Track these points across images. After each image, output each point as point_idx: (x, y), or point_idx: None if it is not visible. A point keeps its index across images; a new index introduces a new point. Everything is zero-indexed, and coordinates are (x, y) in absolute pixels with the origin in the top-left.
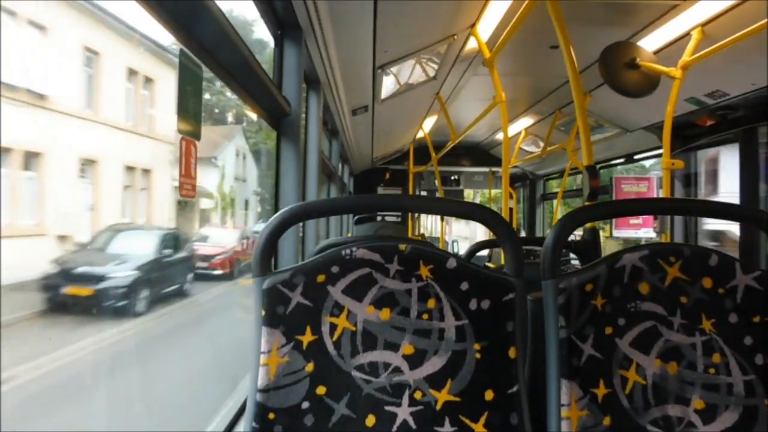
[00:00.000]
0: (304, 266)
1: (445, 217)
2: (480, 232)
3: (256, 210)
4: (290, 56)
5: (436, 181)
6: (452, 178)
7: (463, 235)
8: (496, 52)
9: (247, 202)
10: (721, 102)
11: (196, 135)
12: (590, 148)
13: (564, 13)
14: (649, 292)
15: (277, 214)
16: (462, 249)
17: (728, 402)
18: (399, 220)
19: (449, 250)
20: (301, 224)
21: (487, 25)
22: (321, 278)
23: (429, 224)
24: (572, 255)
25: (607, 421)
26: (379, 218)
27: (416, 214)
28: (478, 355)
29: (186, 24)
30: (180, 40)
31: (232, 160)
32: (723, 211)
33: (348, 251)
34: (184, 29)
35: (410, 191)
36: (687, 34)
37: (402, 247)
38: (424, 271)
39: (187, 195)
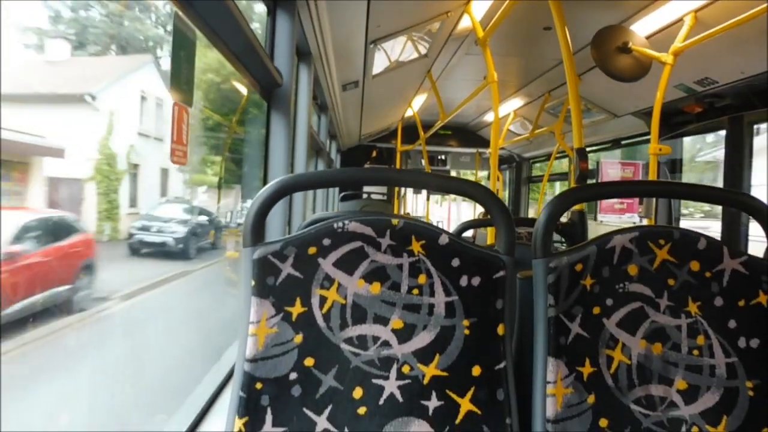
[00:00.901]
0: (295, 238)
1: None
2: (463, 214)
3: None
4: (283, 27)
5: (424, 161)
6: (439, 158)
7: (444, 218)
8: (490, 31)
9: (166, 173)
10: (710, 89)
11: (188, 101)
12: (581, 131)
13: None
14: (637, 273)
15: (269, 184)
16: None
17: (710, 383)
18: (385, 198)
19: None
20: (288, 199)
21: (481, 4)
22: (312, 250)
23: (412, 204)
24: (558, 237)
25: (591, 399)
26: (365, 196)
27: (402, 193)
28: (466, 332)
29: None
30: (175, 4)
31: (134, 107)
32: (711, 195)
33: (340, 224)
34: None
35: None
36: (680, 20)
37: (395, 221)
38: (416, 246)
39: (178, 162)
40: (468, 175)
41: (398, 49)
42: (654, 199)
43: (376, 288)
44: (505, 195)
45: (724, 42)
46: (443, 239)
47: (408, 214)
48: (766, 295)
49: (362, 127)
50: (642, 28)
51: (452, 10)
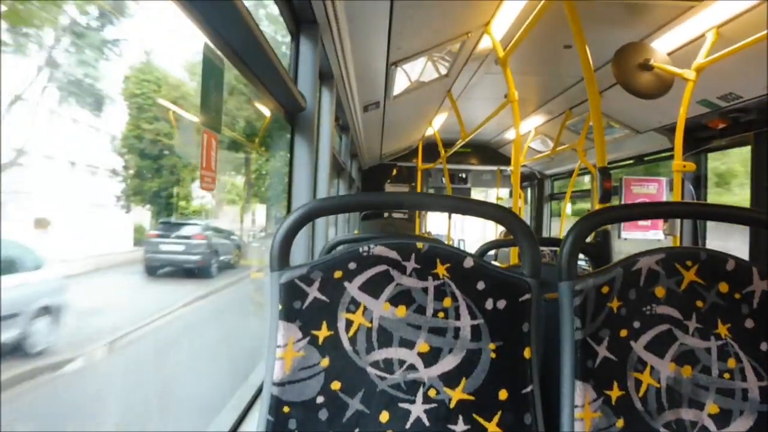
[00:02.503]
0: (321, 262)
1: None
2: (487, 232)
3: None
4: (306, 52)
5: (444, 179)
6: (460, 175)
7: (466, 237)
8: (510, 51)
9: None
10: (734, 105)
11: (217, 128)
12: (603, 149)
13: (578, 12)
14: (665, 295)
15: (296, 209)
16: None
17: (743, 407)
18: (406, 217)
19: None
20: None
21: (501, 24)
22: (338, 274)
23: (432, 222)
24: (582, 256)
25: (620, 423)
26: (386, 215)
27: (422, 213)
28: (493, 355)
29: (211, 18)
30: (204, 33)
31: None
32: (736, 215)
33: (366, 248)
34: (209, 23)
35: (418, 188)
36: (702, 36)
37: (419, 245)
38: (441, 269)
39: (207, 188)
40: (490, 193)
41: (419, 69)
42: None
43: (401, 311)
44: (527, 212)
45: (747, 57)
46: (468, 262)
47: (429, 232)
48: None
49: (383, 147)
50: (663, 44)
51: (472, 31)
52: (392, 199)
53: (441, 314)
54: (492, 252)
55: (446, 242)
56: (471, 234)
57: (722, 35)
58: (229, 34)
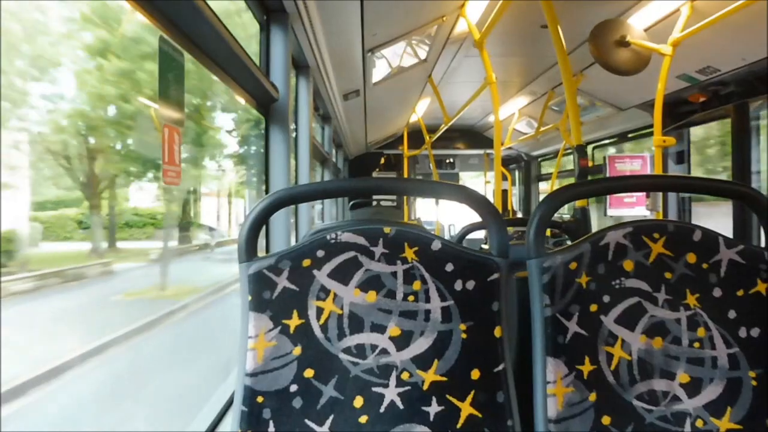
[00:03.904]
0: (289, 251)
1: (439, 202)
2: (476, 217)
3: None
4: (277, 42)
5: (431, 165)
6: (447, 161)
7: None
8: (486, 33)
9: None
10: (713, 78)
11: (179, 122)
12: (579, 128)
13: None
14: (633, 268)
15: (262, 199)
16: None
17: (713, 375)
18: (395, 204)
19: (446, 233)
20: (293, 210)
21: (475, 6)
22: (306, 263)
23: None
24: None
25: (592, 397)
26: (374, 203)
27: (412, 199)
28: (464, 335)
29: (166, 10)
30: (160, 27)
31: None
32: (709, 186)
33: (333, 235)
34: (164, 16)
35: (405, 175)
36: (677, 11)
37: (387, 229)
38: (410, 253)
39: (171, 182)
40: (478, 176)
41: (397, 55)
42: (660, 193)
43: (371, 297)
44: (515, 193)
45: (723, 30)
46: (436, 245)
47: (418, 219)
48: (764, 283)
49: (368, 135)
50: (639, 20)
51: (447, 14)
52: (360, 184)
53: (411, 297)
54: (483, 235)
55: (435, 228)
56: (460, 219)
57: (697, 9)
58: (188, 26)
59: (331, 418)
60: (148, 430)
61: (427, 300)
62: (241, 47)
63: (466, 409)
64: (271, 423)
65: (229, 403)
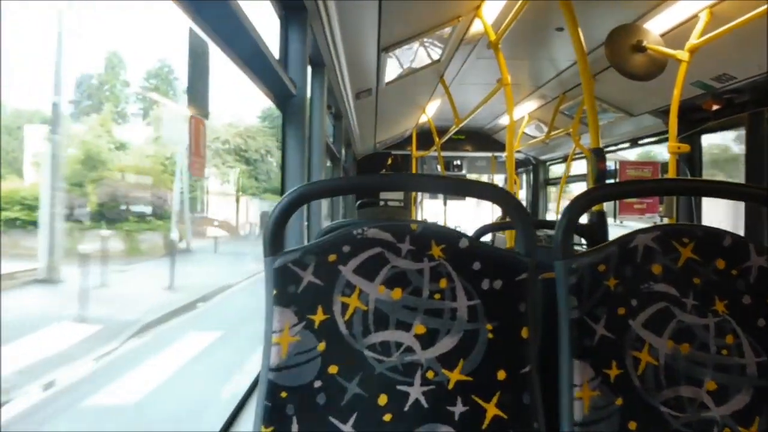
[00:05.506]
0: (315, 246)
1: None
2: (482, 219)
3: None
4: (295, 38)
5: (439, 166)
6: (455, 163)
7: (461, 222)
8: (501, 33)
9: None
10: (728, 86)
11: (205, 114)
12: (597, 132)
13: None
14: (661, 272)
15: (287, 193)
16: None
17: (741, 383)
18: (402, 204)
19: None
20: (305, 207)
21: (492, 7)
22: (332, 258)
23: (427, 210)
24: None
25: (619, 401)
26: (381, 203)
27: (419, 200)
28: (490, 335)
29: (196, 3)
30: (189, 17)
31: None
32: (729, 190)
33: (359, 230)
34: (194, 8)
35: None
36: (695, 16)
37: (414, 226)
38: (436, 250)
39: (197, 174)
40: (484, 179)
41: (410, 55)
42: (674, 199)
43: (397, 294)
44: (522, 197)
45: (741, 37)
46: (463, 243)
47: (425, 220)
48: None
49: (377, 135)
50: (656, 25)
51: (463, 15)
52: (388, 180)
53: (437, 296)
54: (488, 238)
55: None
56: (466, 221)
57: (715, 15)
58: (214, 18)
59: (354, 415)
60: None
61: (454, 298)
62: (263, 42)
63: (491, 409)
64: (294, 419)
65: (245, 399)
